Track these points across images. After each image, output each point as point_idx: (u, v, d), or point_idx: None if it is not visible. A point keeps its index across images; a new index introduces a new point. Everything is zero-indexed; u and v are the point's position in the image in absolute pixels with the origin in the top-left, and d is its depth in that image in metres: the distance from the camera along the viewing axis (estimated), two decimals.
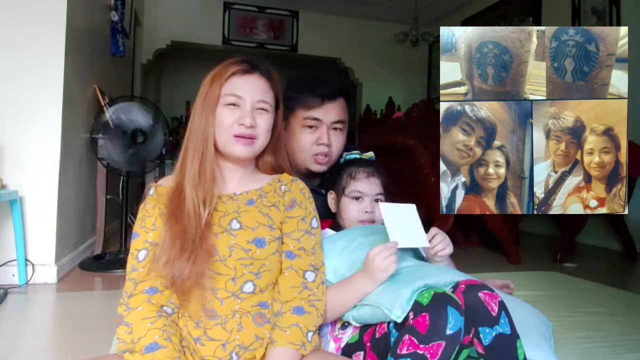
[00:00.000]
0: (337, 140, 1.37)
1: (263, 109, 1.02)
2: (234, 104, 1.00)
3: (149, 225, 0.98)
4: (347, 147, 1.40)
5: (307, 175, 1.38)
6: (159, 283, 0.94)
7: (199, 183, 0.97)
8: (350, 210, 1.22)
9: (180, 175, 0.99)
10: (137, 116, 2.69)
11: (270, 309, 0.98)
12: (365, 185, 1.22)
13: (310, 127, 1.34)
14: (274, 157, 1.10)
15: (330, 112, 1.35)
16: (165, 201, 0.99)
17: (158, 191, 1.03)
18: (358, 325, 1.04)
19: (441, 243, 1.08)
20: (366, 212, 1.21)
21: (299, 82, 1.37)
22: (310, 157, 1.35)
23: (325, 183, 1.37)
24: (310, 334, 0.95)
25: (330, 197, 1.28)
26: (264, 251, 0.98)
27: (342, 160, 1.34)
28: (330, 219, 1.29)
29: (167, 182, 1.04)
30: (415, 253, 1.16)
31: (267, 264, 0.98)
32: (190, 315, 0.95)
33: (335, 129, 1.37)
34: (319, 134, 1.34)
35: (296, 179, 1.08)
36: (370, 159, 1.31)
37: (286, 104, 1.35)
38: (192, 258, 0.91)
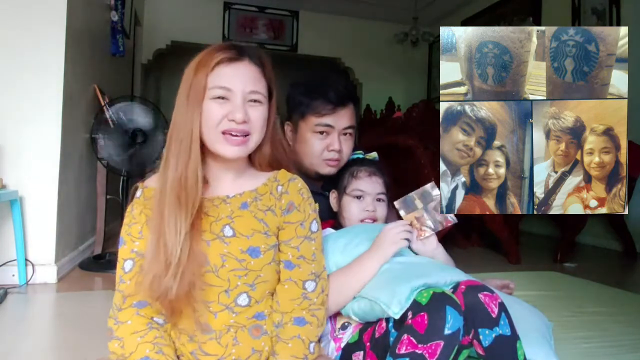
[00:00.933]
0: (347, 145, 1.36)
1: (256, 100, 0.91)
2: (222, 97, 0.89)
3: (135, 234, 0.92)
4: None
5: (313, 178, 1.38)
6: (148, 296, 0.88)
7: (183, 188, 0.86)
8: (352, 208, 1.22)
9: (162, 179, 0.89)
10: (137, 116, 2.70)
11: (266, 320, 0.94)
12: (367, 184, 1.22)
13: (321, 132, 1.33)
14: (271, 149, 1.00)
15: (342, 118, 1.33)
16: (152, 205, 0.90)
17: (145, 193, 0.95)
18: (357, 320, 1.05)
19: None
20: (367, 210, 1.21)
21: (309, 86, 1.34)
22: (321, 161, 1.34)
23: (328, 183, 1.37)
24: (312, 344, 0.93)
25: (332, 197, 1.28)
26: (259, 261, 0.91)
27: None
28: (332, 220, 1.29)
29: (154, 183, 0.95)
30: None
31: (262, 275, 0.92)
32: (183, 328, 0.91)
33: (346, 134, 1.36)
34: (330, 140, 1.32)
35: (294, 177, 1.00)
36: (374, 159, 1.31)
37: (297, 109, 1.34)
38: (178, 274, 0.83)
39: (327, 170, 1.35)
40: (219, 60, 0.90)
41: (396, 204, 1.07)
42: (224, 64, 0.91)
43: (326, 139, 1.33)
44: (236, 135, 0.90)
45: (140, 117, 2.70)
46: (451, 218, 1.06)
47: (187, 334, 0.90)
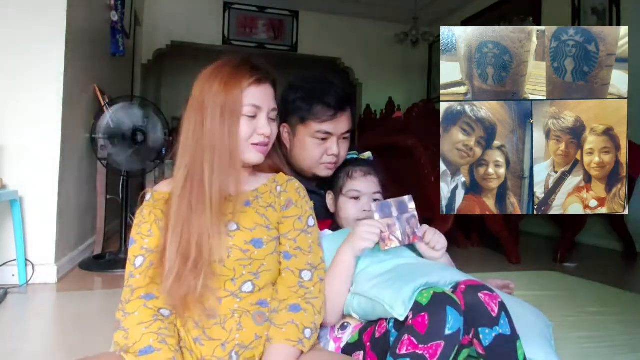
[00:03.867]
0: (344, 148, 1.38)
1: (273, 119, 1.06)
2: (252, 116, 1.01)
3: (145, 232, 0.98)
4: None
5: (309, 179, 1.39)
6: (156, 289, 0.94)
7: (222, 195, 0.96)
8: (349, 209, 1.22)
9: (184, 184, 0.96)
10: (137, 116, 2.69)
11: (269, 307, 0.98)
12: (363, 184, 1.23)
13: (320, 138, 1.34)
14: (271, 157, 1.12)
15: (342, 124, 1.35)
16: (162, 207, 0.99)
17: (154, 197, 1.02)
18: (359, 319, 1.05)
19: (435, 236, 1.10)
20: (364, 210, 1.21)
21: (308, 91, 1.34)
22: (319, 165, 1.36)
23: (323, 183, 1.37)
24: (308, 331, 0.94)
25: (329, 198, 1.28)
26: (262, 251, 0.97)
27: None
28: (330, 220, 1.29)
29: (163, 188, 1.04)
30: (414, 250, 1.16)
31: (266, 264, 0.98)
32: (190, 316, 0.95)
33: (344, 138, 1.37)
34: (329, 144, 1.34)
35: (291, 178, 1.09)
36: (368, 159, 1.31)
37: (296, 113, 1.34)
38: (202, 274, 0.91)
39: (325, 173, 1.36)
40: (252, 81, 1.01)
41: (373, 205, 1.09)
42: (255, 85, 1.01)
43: (325, 144, 1.34)
44: (261, 145, 1.03)
45: (140, 117, 2.70)
46: (418, 233, 1.07)
47: (193, 320, 0.94)
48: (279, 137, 1.17)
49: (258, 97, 1.01)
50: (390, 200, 1.08)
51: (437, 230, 1.12)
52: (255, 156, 1.03)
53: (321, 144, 1.34)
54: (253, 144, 1.02)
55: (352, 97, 1.40)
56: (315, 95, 1.32)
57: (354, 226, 1.21)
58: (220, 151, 0.97)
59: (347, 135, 1.38)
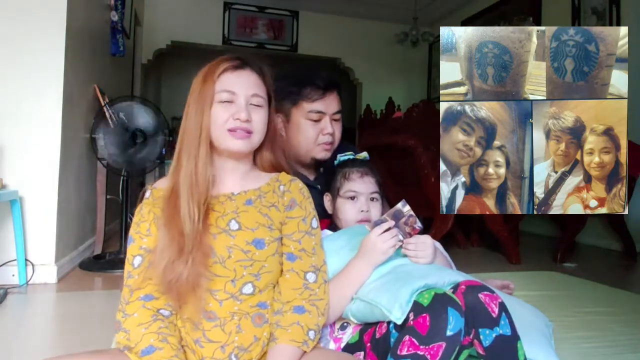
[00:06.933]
0: (338, 129, 1.45)
1: (257, 105, 1.01)
2: (228, 101, 0.99)
3: (144, 231, 0.98)
4: (343, 148, 1.42)
5: (307, 167, 1.44)
6: (154, 290, 0.94)
7: (195, 183, 0.95)
8: (347, 210, 1.22)
9: (174, 178, 0.98)
10: (137, 116, 2.70)
11: (268, 309, 0.98)
12: (360, 184, 1.23)
13: (314, 119, 1.41)
14: (272, 154, 1.09)
15: (331, 103, 1.42)
16: (161, 204, 0.98)
17: (154, 194, 1.02)
18: (357, 322, 1.05)
19: (412, 251, 1.08)
20: (362, 211, 1.21)
21: (297, 76, 1.42)
22: (316, 146, 1.42)
23: (321, 179, 1.39)
24: (312, 332, 0.95)
25: (326, 199, 1.28)
26: (264, 252, 0.97)
27: (336, 162, 1.34)
28: (327, 219, 1.29)
29: (163, 184, 1.03)
30: None
31: (267, 265, 0.97)
32: (189, 317, 0.94)
33: (336, 119, 1.44)
34: (323, 124, 1.41)
35: (294, 178, 1.08)
36: (365, 159, 1.31)
37: (288, 98, 1.41)
38: (189, 260, 0.90)
39: (323, 154, 1.43)
40: (224, 68, 1.00)
41: (367, 226, 1.11)
42: (229, 72, 1.01)
43: (319, 124, 1.41)
44: (240, 132, 0.99)
45: (140, 117, 2.70)
46: (417, 226, 1.09)
47: (193, 322, 0.94)
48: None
49: (232, 82, 0.99)
50: (385, 215, 1.10)
51: (428, 238, 1.10)
52: (233, 143, 0.98)
53: (315, 124, 1.40)
54: (230, 130, 0.98)
55: (339, 82, 1.46)
56: (304, 79, 1.41)
57: (352, 226, 1.21)
58: (191, 139, 0.97)
59: (338, 116, 1.45)
